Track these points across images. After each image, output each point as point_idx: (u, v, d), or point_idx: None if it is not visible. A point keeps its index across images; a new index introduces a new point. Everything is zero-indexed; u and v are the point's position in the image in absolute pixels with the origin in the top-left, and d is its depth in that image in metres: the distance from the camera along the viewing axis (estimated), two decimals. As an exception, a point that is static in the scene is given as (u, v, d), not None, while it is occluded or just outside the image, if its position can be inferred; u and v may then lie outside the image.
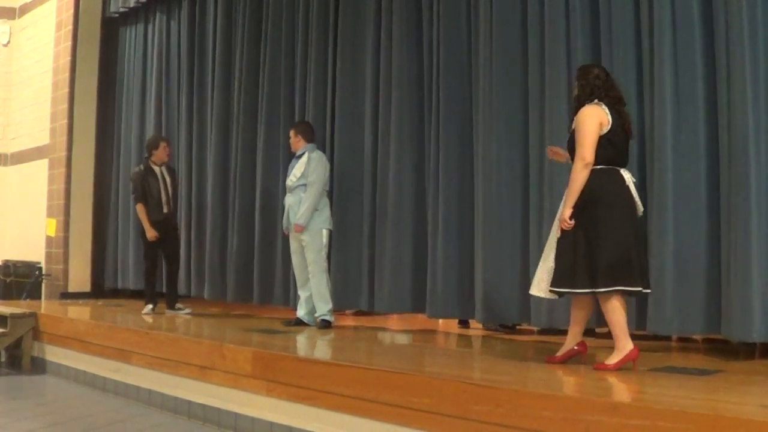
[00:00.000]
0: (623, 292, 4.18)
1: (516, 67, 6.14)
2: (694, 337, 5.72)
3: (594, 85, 4.38)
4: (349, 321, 7.75)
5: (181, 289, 8.90)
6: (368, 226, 7.13)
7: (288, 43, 8.09)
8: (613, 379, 4.03)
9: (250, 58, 8.46)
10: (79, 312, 8.02)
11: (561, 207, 4.35)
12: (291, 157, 7.01)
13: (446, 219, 6.48)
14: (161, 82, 9.74)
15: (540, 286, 4.46)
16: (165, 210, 7.73)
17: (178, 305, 7.98)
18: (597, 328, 5.56)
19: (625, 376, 4.10)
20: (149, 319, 7.27)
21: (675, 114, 5.10)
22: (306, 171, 6.63)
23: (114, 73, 10.63)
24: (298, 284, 6.79)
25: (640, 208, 4.34)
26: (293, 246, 6.73)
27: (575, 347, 4.51)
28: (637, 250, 4.21)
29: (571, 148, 4.38)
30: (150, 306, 7.83)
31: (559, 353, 4.54)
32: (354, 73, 7.42)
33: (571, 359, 4.51)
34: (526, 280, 5.89)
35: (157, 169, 7.80)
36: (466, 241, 6.40)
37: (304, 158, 6.70)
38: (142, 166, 7.89)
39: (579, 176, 4.22)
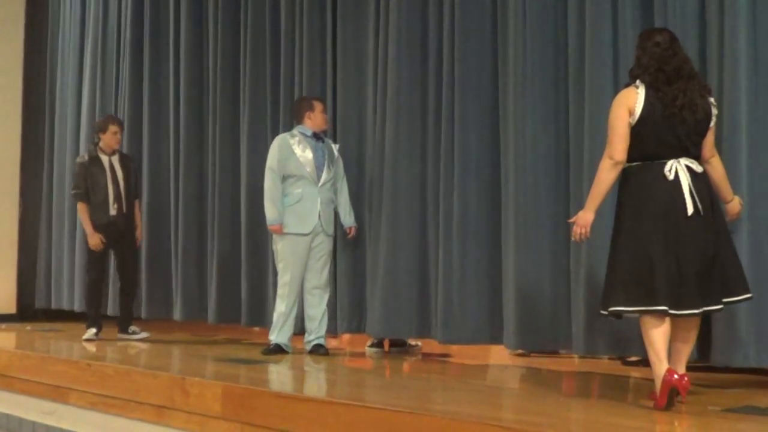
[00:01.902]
0: (645, 312, 4.25)
1: (552, 31, 6.16)
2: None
3: (651, 55, 4.44)
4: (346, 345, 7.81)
5: (139, 310, 8.92)
6: (367, 229, 7.19)
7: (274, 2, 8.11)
8: (674, 422, 4.05)
9: (227, 18, 8.46)
10: (0, 339, 8.03)
11: (583, 209, 4.52)
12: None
13: (462, 219, 6.50)
14: (97, 47, 9.76)
15: None
16: (113, 211, 7.74)
17: (132, 328, 7.97)
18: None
19: (688, 417, 4.12)
20: (92, 347, 7.29)
21: (752, 88, 5.09)
22: (338, 162, 6.99)
23: (45, 37, 10.65)
24: (293, 301, 6.84)
25: (690, 208, 4.33)
26: (306, 253, 6.80)
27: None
28: (666, 262, 4.24)
29: None
30: (93, 330, 7.80)
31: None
32: (356, 38, 7.47)
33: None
34: (567, 295, 5.93)
35: (105, 158, 7.81)
36: (490, 246, 6.43)
37: (332, 148, 7.01)
38: (86, 155, 7.91)
39: (606, 176, 4.42)
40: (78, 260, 9.40)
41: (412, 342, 7.34)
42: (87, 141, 9.52)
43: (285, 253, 6.78)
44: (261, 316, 7.90)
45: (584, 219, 4.46)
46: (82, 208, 7.78)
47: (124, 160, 7.95)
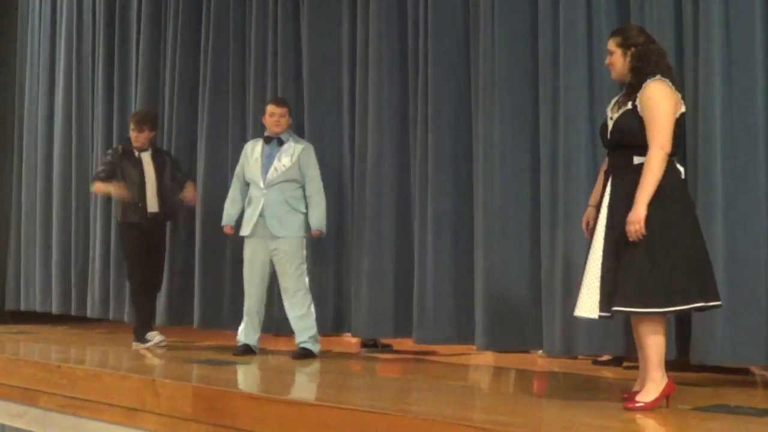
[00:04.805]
0: (696, 309, 4.32)
1: (524, 30, 6.20)
2: (752, 368, 5.78)
3: (659, 52, 4.41)
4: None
5: (82, 308, 8.97)
6: (345, 230, 7.21)
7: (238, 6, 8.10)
8: (646, 421, 4.07)
9: (188, 17, 8.48)
10: (-32, 341, 7.99)
11: (634, 207, 4.24)
12: (241, 146, 7.10)
13: (437, 221, 6.53)
14: (72, 51, 9.71)
15: (584, 304, 4.41)
16: (150, 209, 7.37)
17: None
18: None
19: (660, 416, 4.15)
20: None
21: (726, 90, 5.15)
22: (304, 163, 6.75)
23: (14, 38, 10.61)
24: (253, 303, 6.81)
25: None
26: (260, 255, 6.73)
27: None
28: (707, 257, 4.33)
29: (621, 136, 4.39)
30: (154, 333, 7.37)
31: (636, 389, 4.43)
32: (328, 39, 7.49)
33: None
34: (538, 295, 5.97)
35: (137, 154, 7.45)
36: (462, 247, 6.46)
37: (296, 147, 6.78)
38: (120, 147, 7.63)
39: (659, 167, 4.23)
40: (56, 261, 9.42)
41: (384, 342, 7.35)
42: (64, 140, 9.58)
43: (245, 256, 6.82)
44: (215, 316, 7.90)
45: (637, 216, 4.22)
46: (98, 186, 7.56)
47: (157, 157, 7.53)
